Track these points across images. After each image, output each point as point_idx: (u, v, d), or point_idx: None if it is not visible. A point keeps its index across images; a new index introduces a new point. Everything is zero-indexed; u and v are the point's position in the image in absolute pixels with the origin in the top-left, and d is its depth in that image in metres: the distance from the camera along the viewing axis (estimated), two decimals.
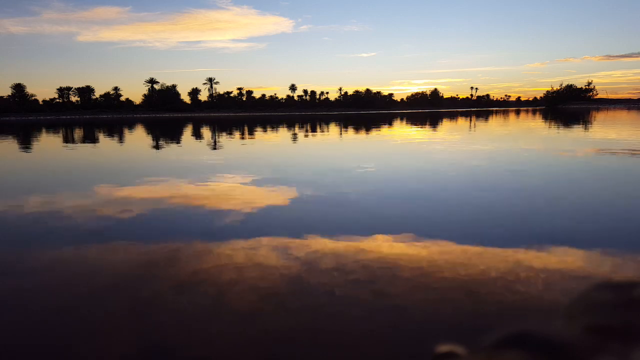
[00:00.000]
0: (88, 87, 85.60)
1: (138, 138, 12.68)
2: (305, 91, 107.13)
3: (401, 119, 24.93)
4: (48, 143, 10.79)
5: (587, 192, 3.29)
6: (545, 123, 16.64)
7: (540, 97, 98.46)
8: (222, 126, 19.98)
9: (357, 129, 14.74)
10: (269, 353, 1.16)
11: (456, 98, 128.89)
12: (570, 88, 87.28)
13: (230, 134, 13.47)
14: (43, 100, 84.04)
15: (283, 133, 13.23)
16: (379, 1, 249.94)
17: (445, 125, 16.73)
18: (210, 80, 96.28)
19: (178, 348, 1.19)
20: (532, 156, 5.82)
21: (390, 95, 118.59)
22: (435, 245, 2.00)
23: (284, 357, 1.14)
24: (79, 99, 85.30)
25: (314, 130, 14.75)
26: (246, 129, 16.63)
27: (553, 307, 1.35)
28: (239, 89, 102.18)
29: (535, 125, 14.76)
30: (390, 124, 18.69)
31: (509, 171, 4.43)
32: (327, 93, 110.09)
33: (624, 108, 55.69)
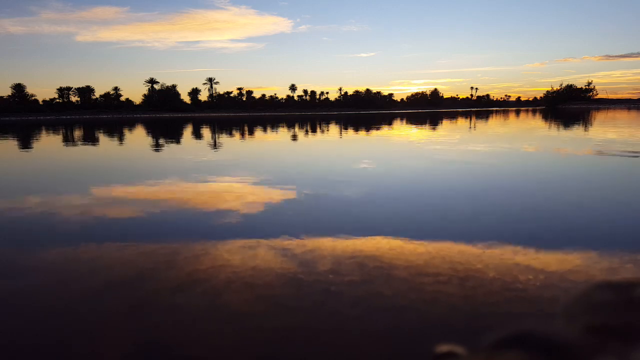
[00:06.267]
0: (88, 87, 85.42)
1: (139, 138, 12.67)
2: (305, 91, 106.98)
3: (401, 119, 24.92)
4: (48, 143, 10.79)
5: (588, 192, 3.29)
6: (545, 123, 16.63)
7: (540, 97, 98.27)
8: (223, 126, 19.97)
9: (357, 129, 14.73)
10: (269, 352, 1.16)
11: (456, 98, 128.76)
12: (570, 88, 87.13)
13: (231, 134, 13.47)
14: (43, 100, 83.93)
15: (283, 133, 13.22)
16: (377, 1, 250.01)
17: (445, 125, 16.72)
18: (210, 80, 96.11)
19: (177, 348, 1.18)
20: (533, 156, 5.82)
21: (390, 95, 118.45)
22: (434, 244, 2.00)
23: (283, 356, 1.14)
24: (79, 99, 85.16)
25: (314, 130, 14.75)
26: (246, 129, 16.63)
27: (553, 307, 1.35)
28: (239, 89, 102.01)
29: (535, 125, 14.75)
30: (390, 124, 18.68)
31: (509, 171, 4.43)
32: (327, 93, 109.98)
33: (624, 108, 55.66)
